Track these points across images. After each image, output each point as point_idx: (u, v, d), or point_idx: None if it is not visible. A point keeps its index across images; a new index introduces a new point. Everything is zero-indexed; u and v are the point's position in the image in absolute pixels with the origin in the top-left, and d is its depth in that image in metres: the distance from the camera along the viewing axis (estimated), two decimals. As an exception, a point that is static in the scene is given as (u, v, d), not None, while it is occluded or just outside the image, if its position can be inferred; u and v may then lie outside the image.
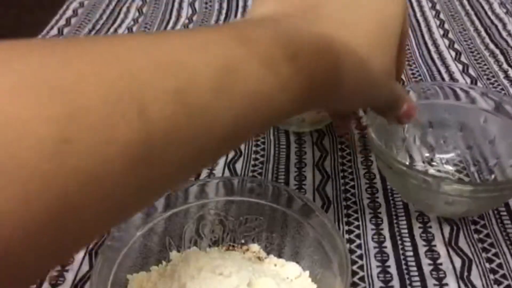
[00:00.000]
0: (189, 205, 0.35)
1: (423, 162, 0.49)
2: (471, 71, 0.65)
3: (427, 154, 0.49)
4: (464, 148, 0.48)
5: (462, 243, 0.42)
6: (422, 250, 0.42)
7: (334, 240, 0.32)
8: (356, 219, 0.44)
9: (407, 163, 0.47)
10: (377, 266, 0.40)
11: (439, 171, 0.48)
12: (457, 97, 0.47)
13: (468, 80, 0.63)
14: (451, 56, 0.69)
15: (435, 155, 0.49)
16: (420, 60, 0.68)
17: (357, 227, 0.44)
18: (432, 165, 0.48)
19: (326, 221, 0.33)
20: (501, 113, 0.45)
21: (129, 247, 0.33)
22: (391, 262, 0.41)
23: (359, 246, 0.42)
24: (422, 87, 0.48)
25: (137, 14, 0.85)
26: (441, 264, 0.40)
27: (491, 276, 0.39)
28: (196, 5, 0.87)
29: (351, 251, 0.41)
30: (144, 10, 0.86)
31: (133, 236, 0.33)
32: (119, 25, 0.82)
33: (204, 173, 0.50)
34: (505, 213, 0.44)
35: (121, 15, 0.85)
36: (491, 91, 0.48)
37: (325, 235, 0.33)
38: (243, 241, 0.38)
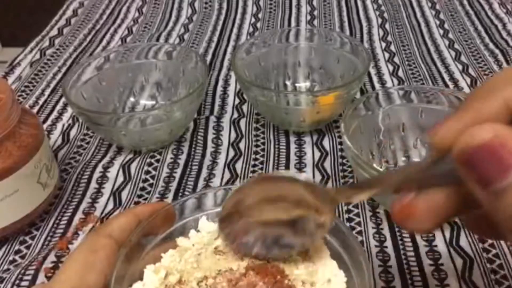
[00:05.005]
0: (187, 219, 0.34)
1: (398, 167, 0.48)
2: (471, 71, 0.65)
3: (403, 158, 0.49)
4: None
5: (463, 243, 0.42)
6: (423, 250, 0.41)
7: (346, 238, 0.31)
8: (357, 215, 0.45)
9: (383, 168, 0.47)
10: (379, 266, 0.40)
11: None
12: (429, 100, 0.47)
13: (468, 80, 0.63)
14: (451, 56, 0.69)
15: (411, 158, 0.49)
16: (420, 60, 0.68)
17: (358, 223, 0.44)
18: None
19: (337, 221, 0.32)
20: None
21: (146, 252, 0.32)
22: (392, 262, 0.41)
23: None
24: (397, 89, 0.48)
25: (137, 14, 0.85)
26: (442, 264, 0.40)
27: (492, 277, 0.39)
28: (196, 5, 0.87)
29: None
30: (144, 10, 0.86)
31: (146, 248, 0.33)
32: (119, 25, 0.82)
33: (204, 173, 0.50)
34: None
35: (121, 15, 0.85)
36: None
37: (334, 232, 0.32)
38: None
